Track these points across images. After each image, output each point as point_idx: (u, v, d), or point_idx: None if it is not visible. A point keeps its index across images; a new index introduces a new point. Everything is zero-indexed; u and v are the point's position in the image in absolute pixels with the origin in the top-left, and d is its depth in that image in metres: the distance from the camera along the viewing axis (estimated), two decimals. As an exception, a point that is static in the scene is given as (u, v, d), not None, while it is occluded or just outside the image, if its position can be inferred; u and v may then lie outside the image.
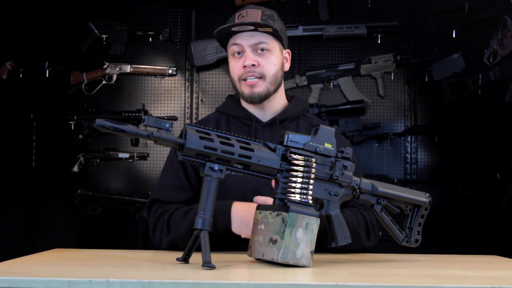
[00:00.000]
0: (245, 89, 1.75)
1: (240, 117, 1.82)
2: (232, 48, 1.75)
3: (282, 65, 1.81)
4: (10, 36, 3.46)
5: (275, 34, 1.74)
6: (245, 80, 1.74)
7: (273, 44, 1.75)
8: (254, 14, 1.72)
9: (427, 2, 3.45)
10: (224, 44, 1.80)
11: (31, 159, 3.44)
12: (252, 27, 1.70)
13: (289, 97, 1.89)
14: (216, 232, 1.58)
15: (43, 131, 3.47)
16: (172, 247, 1.65)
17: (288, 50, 1.84)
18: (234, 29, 1.71)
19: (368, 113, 3.44)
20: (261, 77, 1.74)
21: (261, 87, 1.74)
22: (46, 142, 3.46)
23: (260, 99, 1.76)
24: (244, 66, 1.73)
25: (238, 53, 1.75)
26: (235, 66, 1.76)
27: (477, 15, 3.37)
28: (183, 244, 1.58)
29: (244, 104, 1.84)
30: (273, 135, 1.78)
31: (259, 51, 1.73)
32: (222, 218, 1.58)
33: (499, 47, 3.29)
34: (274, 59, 1.76)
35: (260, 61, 1.73)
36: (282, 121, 1.81)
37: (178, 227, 1.64)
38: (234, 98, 1.88)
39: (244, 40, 1.72)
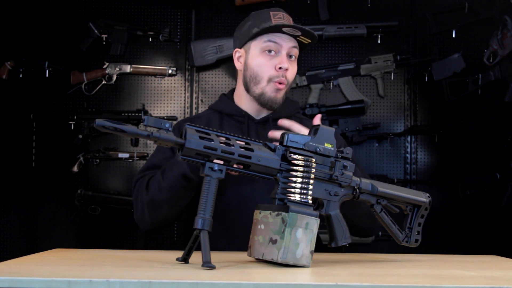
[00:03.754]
0: (271, 91, 1.74)
1: (233, 115, 1.82)
2: (267, 44, 1.71)
3: None
4: (10, 36, 3.46)
5: (302, 45, 1.76)
6: (275, 82, 1.73)
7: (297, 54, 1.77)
8: (289, 19, 1.73)
9: (427, 2, 3.45)
10: (246, 39, 1.76)
11: (31, 159, 3.44)
12: (299, 33, 1.70)
13: None
14: (196, 178, 1.59)
15: (43, 131, 3.46)
16: (152, 209, 1.65)
17: None
18: (284, 29, 1.70)
19: (368, 113, 3.44)
20: (286, 83, 1.74)
21: (282, 93, 1.76)
22: (46, 142, 3.46)
23: (277, 105, 1.77)
24: (280, 68, 1.71)
25: (270, 51, 1.72)
26: (268, 64, 1.72)
27: (477, 15, 3.37)
28: (162, 206, 1.62)
29: (237, 102, 1.84)
30: (266, 132, 1.76)
31: (289, 57, 1.73)
32: (184, 168, 1.58)
33: (499, 47, 3.29)
34: (296, 69, 1.77)
35: (289, 67, 1.73)
36: (274, 119, 1.80)
37: (156, 185, 1.63)
38: (227, 96, 1.88)
39: (285, 42, 1.71)
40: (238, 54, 1.81)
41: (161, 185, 1.63)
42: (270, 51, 1.72)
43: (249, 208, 1.65)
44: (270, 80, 1.73)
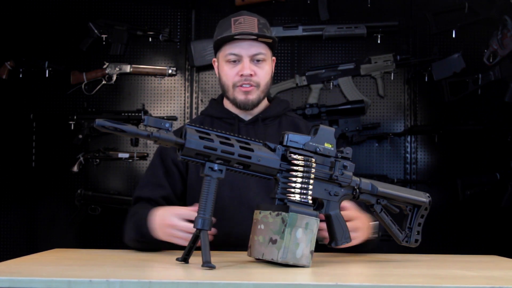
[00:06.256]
0: (239, 95, 1.80)
1: (223, 118, 1.86)
2: (229, 57, 1.78)
3: (272, 73, 1.86)
4: (10, 36, 3.46)
5: (271, 45, 1.79)
6: (239, 86, 1.78)
7: (267, 54, 1.80)
8: (251, 22, 1.75)
9: (427, 2, 3.45)
10: (216, 49, 1.84)
11: (31, 159, 3.44)
12: (254, 37, 1.73)
13: (270, 98, 1.95)
14: (149, 240, 1.60)
15: (43, 131, 3.46)
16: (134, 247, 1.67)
17: (274, 58, 1.88)
18: (237, 37, 1.74)
19: (368, 113, 3.44)
20: (256, 85, 1.79)
21: (254, 95, 1.79)
22: (46, 142, 3.46)
23: (253, 106, 1.82)
24: (242, 75, 1.76)
25: (234, 61, 1.78)
26: (230, 73, 1.79)
27: (477, 15, 3.36)
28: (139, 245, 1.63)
29: (227, 105, 1.88)
30: (256, 132, 1.82)
31: (255, 61, 1.77)
32: (146, 230, 1.59)
33: (499, 47, 3.29)
34: (268, 68, 1.81)
35: (256, 71, 1.77)
36: (264, 119, 1.85)
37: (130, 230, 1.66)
38: (217, 101, 1.93)
39: (244, 50, 1.75)
40: (216, 63, 1.88)
41: (135, 237, 1.64)
42: (234, 60, 1.77)
43: (244, 205, 1.66)
44: (234, 86, 1.79)
